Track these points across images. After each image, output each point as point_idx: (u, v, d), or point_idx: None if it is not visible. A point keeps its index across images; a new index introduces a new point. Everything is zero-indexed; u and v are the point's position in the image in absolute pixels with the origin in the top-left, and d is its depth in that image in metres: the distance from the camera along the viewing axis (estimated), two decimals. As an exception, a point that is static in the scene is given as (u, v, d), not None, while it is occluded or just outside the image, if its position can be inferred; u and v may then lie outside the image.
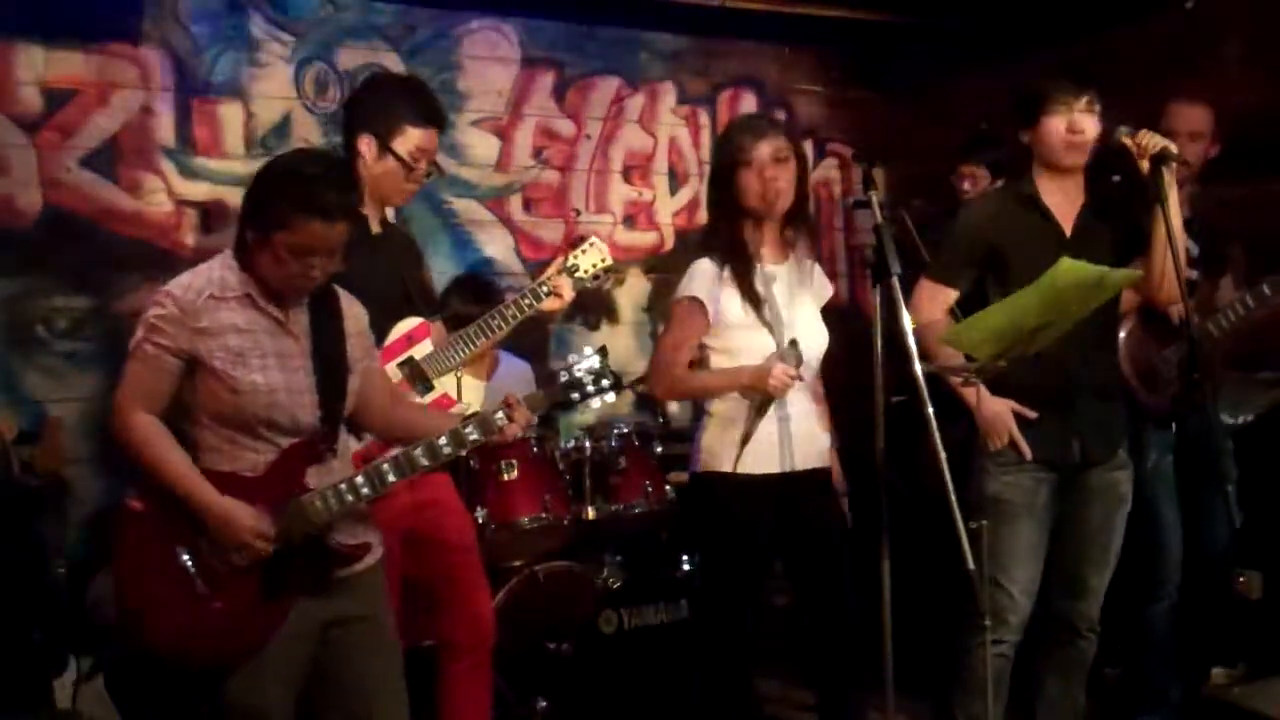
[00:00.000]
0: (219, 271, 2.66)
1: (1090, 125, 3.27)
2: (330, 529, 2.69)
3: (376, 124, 3.33)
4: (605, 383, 2.83)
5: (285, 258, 2.59)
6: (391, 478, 2.72)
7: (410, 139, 3.34)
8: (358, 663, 2.75)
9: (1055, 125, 3.28)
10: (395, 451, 2.78)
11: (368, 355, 2.88)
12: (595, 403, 2.87)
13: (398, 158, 3.34)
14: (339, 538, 2.71)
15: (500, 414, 2.81)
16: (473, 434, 2.77)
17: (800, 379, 3.23)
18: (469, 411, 3.28)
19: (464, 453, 2.84)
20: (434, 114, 3.43)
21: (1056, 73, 3.36)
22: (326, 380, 2.71)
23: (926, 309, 3.36)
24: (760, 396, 3.24)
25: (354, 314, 2.83)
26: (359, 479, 2.69)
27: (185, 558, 2.58)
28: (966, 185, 4.75)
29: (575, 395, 2.85)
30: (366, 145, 3.33)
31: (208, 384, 2.60)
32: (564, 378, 2.89)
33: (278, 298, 2.68)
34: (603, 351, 2.92)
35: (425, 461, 2.74)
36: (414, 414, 3.05)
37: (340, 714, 2.74)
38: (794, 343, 3.26)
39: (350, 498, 2.67)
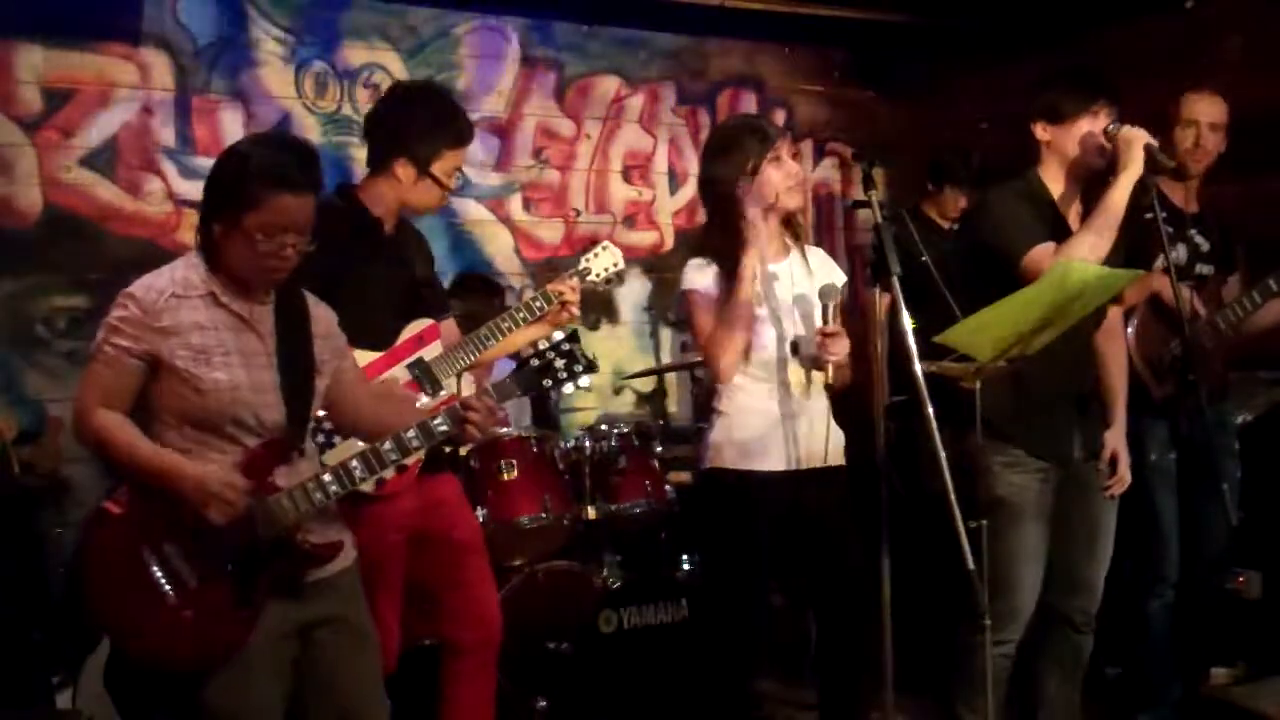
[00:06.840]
0: (181, 271, 2.64)
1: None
2: (299, 529, 2.63)
3: (416, 148, 3.28)
4: (578, 367, 2.71)
5: (257, 239, 2.55)
6: (360, 474, 2.66)
7: (448, 161, 3.33)
8: (345, 662, 2.73)
9: (1091, 127, 3.26)
10: (364, 447, 2.71)
11: (338, 356, 2.82)
12: (568, 388, 2.74)
13: (436, 180, 3.32)
14: (309, 538, 2.66)
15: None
16: (441, 425, 2.70)
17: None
18: None
19: (433, 444, 2.76)
20: (471, 134, 3.40)
21: (1094, 76, 3.34)
22: (291, 379, 2.67)
23: (1049, 260, 3.12)
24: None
25: (321, 316, 2.79)
26: (326, 477, 2.64)
27: (154, 567, 2.53)
28: (938, 216, 4.73)
29: (547, 381, 2.72)
30: (403, 168, 3.29)
31: (172, 385, 2.58)
32: (535, 363, 2.75)
33: (246, 292, 2.65)
34: (573, 335, 2.78)
35: (394, 456, 2.68)
36: (401, 413, 2.91)
37: (333, 714, 2.72)
38: (795, 344, 3.23)
39: (319, 496, 2.62)
